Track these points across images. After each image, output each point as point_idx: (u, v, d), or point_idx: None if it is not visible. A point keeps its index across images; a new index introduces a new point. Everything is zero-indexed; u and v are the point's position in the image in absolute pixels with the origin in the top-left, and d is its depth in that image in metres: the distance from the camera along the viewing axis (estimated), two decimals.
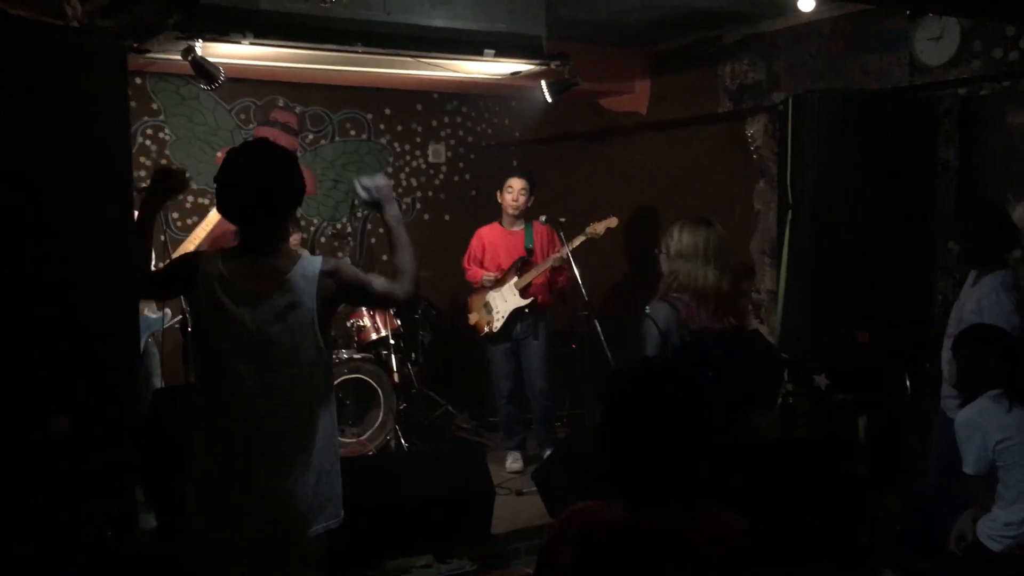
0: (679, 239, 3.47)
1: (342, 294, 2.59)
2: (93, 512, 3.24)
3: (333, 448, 2.64)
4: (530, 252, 5.71)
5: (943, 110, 4.94)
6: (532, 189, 5.69)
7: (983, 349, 3.50)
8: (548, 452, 5.69)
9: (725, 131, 6.27)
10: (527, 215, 5.76)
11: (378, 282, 2.69)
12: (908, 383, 4.61)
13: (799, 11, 4.91)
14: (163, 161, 6.30)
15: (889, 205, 4.73)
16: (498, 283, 5.69)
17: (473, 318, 5.76)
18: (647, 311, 3.38)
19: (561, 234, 5.59)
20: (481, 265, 5.78)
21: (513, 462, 5.56)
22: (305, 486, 2.52)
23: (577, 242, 5.54)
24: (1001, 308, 3.77)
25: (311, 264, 2.54)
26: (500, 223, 5.82)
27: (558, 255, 5.53)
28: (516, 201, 5.66)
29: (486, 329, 5.69)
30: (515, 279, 5.68)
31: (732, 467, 3.00)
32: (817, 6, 4.78)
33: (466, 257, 5.85)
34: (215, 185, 2.58)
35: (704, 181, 6.40)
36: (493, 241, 5.79)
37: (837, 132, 4.68)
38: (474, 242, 5.85)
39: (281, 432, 2.49)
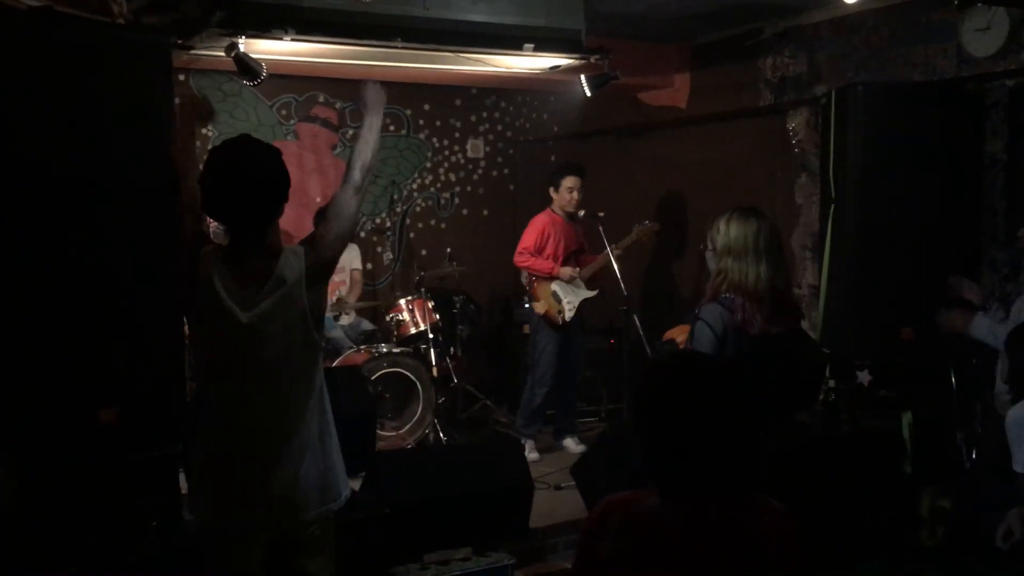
0: (726, 233, 3.13)
1: (320, 262, 2.58)
2: (139, 503, 3.28)
3: (329, 431, 2.66)
4: (583, 246, 5.91)
5: (991, 102, 4.85)
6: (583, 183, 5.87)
7: None
8: (568, 440, 5.79)
9: (766, 125, 6.21)
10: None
11: (330, 218, 2.68)
12: (954, 379, 4.53)
13: (842, 2, 4.85)
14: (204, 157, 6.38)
15: (934, 199, 4.65)
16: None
17: (542, 307, 5.79)
18: (698, 314, 3.08)
19: (601, 228, 5.67)
20: (541, 253, 5.80)
21: (530, 451, 5.60)
22: (305, 471, 2.56)
23: (626, 243, 5.77)
24: None
25: (295, 257, 2.55)
26: (554, 212, 5.88)
27: (618, 251, 5.70)
28: (576, 200, 5.81)
29: (558, 319, 5.73)
30: (579, 270, 5.75)
31: (777, 464, 2.98)
32: None
33: (529, 245, 5.84)
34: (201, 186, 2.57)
35: (745, 175, 6.35)
36: (556, 231, 5.85)
37: (881, 125, 4.61)
38: (537, 230, 5.85)
39: (279, 422, 2.54)
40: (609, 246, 5.68)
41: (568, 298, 5.77)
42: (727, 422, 1.77)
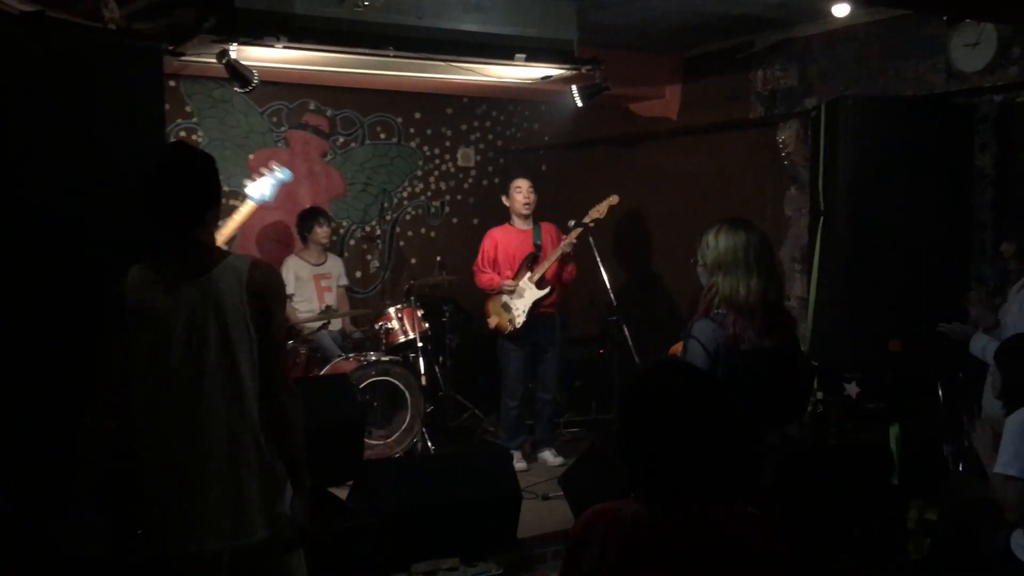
0: (715, 247, 3.04)
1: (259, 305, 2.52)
2: (128, 510, 3.26)
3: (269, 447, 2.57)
4: (538, 248, 5.82)
5: (979, 117, 4.89)
6: (535, 187, 5.84)
7: None
8: (545, 452, 5.81)
9: (756, 137, 6.24)
10: (535, 215, 5.87)
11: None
12: (941, 392, 4.55)
13: (833, 16, 4.88)
14: None
15: (923, 212, 4.68)
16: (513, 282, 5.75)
17: (493, 321, 5.78)
18: (690, 331, 3.00)
19: (591, 239, 5.66)
20: (494, 265, 5.80)
21: (518, 461, 5.58)
22: (251, 489, 2.49)
23: (581, 227, 5.66)
24: None
25: (239, 263, 2.53)
26: (510, 223, 5.87)
27: (568, 241, 5.68)
28: (527, 199, 5.78)
29: (509, 328, 5.71)
30: (528, 274, 5.75)
31: (765, 474, 2.98)
32: (852, 11, 4.74)
33: (479, 260, 5.86)
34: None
35: (735, 187, 6.37)
36: (506, 241, 5.85)
37: (870, 138, 4.64)
38: (486, 244, 5.88)
39: (219, 437, 2.47)
40: (561, 239, 5.73)
41: (517, 304, 5.72)
42: (709, 430, 1.79)
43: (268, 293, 2.53)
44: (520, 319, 5.70)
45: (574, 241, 5.69)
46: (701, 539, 1.77)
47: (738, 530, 1.80)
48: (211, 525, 2.46)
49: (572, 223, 5.74)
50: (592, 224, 5.69)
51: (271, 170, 5.04)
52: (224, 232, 5.00)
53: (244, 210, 5.02)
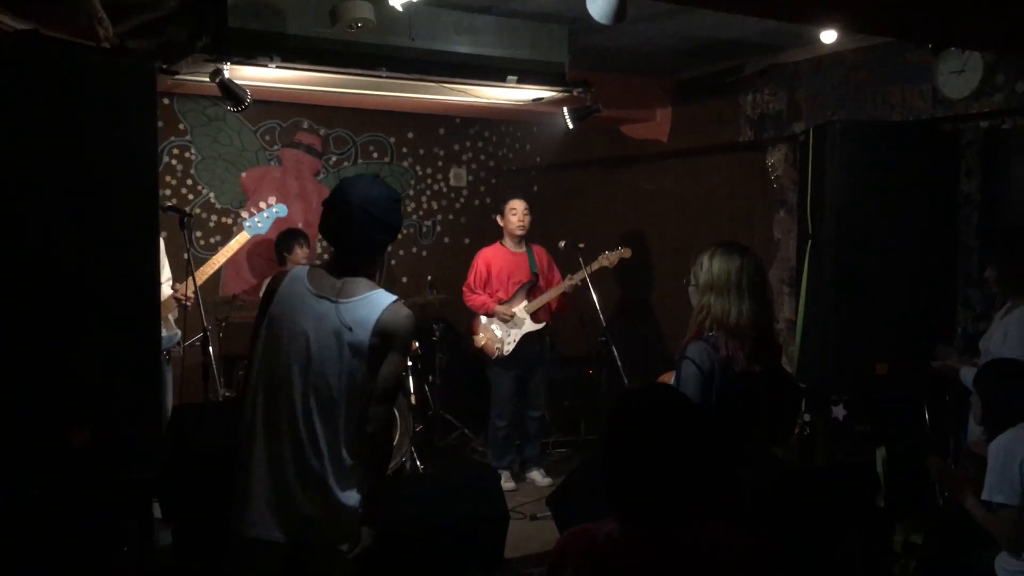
0: (709, 268, 3.05)
1: (379, 344, 2.64)
2: (110, 527, 3.25)
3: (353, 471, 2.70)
4: (536, 276, 5.83)
5: (965, 143, 4.94)
6: (530, 209, 5.85)
7: (1007, 383, 3.46)
8: (534, 472, 5.79)
9: (746, 160, 6.29)
10: (527, 237, 5.89)
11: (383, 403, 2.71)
12: (927, 415, 4.57)
13: (821, 42, 4.93)
14: (188, 181, 6.38)
15: (909, 237, 4.72)
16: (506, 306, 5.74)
17: (480, 341, 5.78)
18: (684, 353, 3.00)
19: (581, 259, 5.68)
20: (486, 286, 5.80)
21: (506, 481, 5.57)
22: (346, 499, 2.63)
23: (589, 271, 5.65)
24: None
25: (380, 299, 2.67)
26: (502, 244, 5.87)
27: (572, 282, 5.64)
28: (522, 222, 5.79)
29: (497, 353, 5.71)
30: (524, 303, 5.74)
31: (752, 496, 2.99)
32: (839, 38, 4.80)
33: (471, 280, 5.86)
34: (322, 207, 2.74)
35: (724, 209, 6.41)
36: (500, 262, 5.84)
37: (858, 163, 4.69)
38: (479, 264, 5.87)
39: (324, 440, 2.60)
40: (565, 277, 5.76)
41: (508, 333, 5.73)
42: (688, 454, 1.81)
43: (394, 336, 2.65)
44: (509, 348, 5.70)
45: (577, 284, 5.68)
46: (676, 559, 1.79)
47: (714, 550, 1.81)
48: (286, 521, 2.58)
49: (577, 276, 5.67)
50: (596, 269, 5.69)
51: (269, 206, 5.28)
52: (216, 261, 5.08)
53: (239, 240, 5.14)
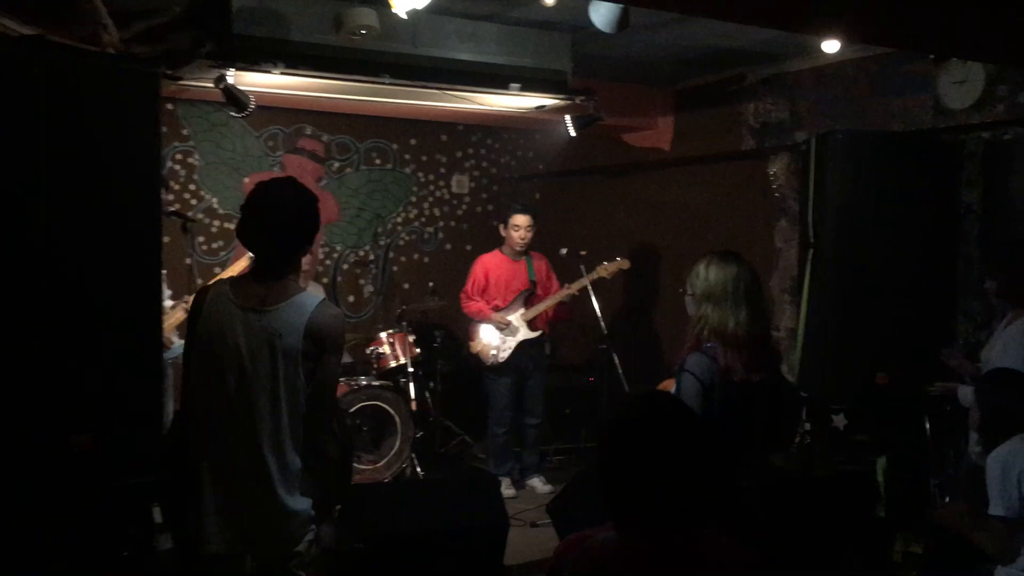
0: (706, 277, 3.06)
1: (313, 347, 2.63)
2: (111, 532, 3.25)
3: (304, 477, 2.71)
4: (534, 284, 5.83)
5: (966, 153, 4.95)
6: (535, 223, 5.80)
7: (1007, 393, 3.47)
8: (534, 479, 5.80)
9: (747, 169, 6.30)
10: (528, 245, 5.88)
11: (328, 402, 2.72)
12: (928, 425, 4.57)
13: (823, 52, 4.95)
14: (191, 186, 6.40)
15: (911, 247, 4.72)
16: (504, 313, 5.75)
17: (476, 347, 5.79)
18: (683, 365, 2.99)
19: (582, 267, 5.70)
20: (484, 293, 5.81)
21: (506, 488, 5.57)
22: (296, 504, 2.63)
23: (586, 281, 5.66)
24: None
25: (307, 302, 2.65)
26: (501, 252, 5.88)
27: (569, 291, 5.65)
28: (524, 238, 5.77)
29: (491, 359, 5.72)
30: (521, 311, 5.75)
31: (751, 506, 2.99)
32: (841, 48, 4.81)
33: (468, 287, 5.87)
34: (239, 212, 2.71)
35: (726, 218, 6.42)
36: (498, 270, 5.85)
37: (859, 172, 4.69)
38: (477, 270, 5.88)
39: (268, 449, 2.60)
40: (562, 285, 5.77)
41: (504, 340, 5.74)
42: (686, 462, 1.82)
43: (326, 338, 2.64)
44: (505, 355, 5.71)
45: (575, 293, 5.70)
46: (671, 566, 1.79)
47: (709, 558, 1.81)
48: (240, 533, 2.59)
49: (574, 285, 5.68)
50: (594, 279, 5.69)
51: None
52: (234, 270, 5.08)
53: (248, 257, 5.12)
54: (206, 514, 2.59)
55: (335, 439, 2.72)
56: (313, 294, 2.73)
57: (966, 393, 4.02)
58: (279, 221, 2.63)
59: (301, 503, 2.64)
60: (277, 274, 2.66)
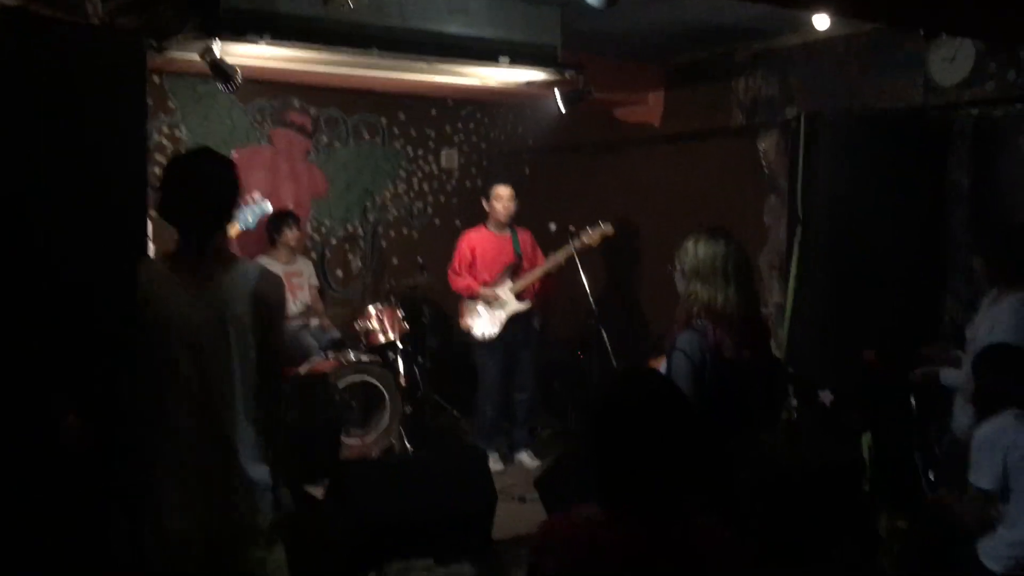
0: (695, 254, 3.05)
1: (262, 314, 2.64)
2: (103, 527, 3.24)
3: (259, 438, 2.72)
4: (519, 258, 5.85)
5: (956, 131, 4.94)
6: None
7: (1005, 369, 3.50)
8: (522, 454, 5.85)
9: (737, 145, 6.29)
10: (514, 220, 5.90)
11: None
12: (914, 402, 4.60)
13: (814, 28, 4.93)
14: None
15: (899, 224, 4.73)
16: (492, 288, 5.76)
17: (467, 322, 5.80)
18: (674, 344, 2.98)
19: (571, 239, 5.71)
20: (471, 268, 5.82)
21: (494, 463, 5.60)
22: (255, 473, 2.64)
23: (571, 250, 5.68)
24: (1019, 327, 3.74)
25: (249, 270, 2.66)
26: (486, 227, 5.88)
27: (556, 260, 5.67)
28: (507, 209, 5.81)
29: (482, 335, 5.73)
30: (509, 284, 5.77)
31: (737, 483, 3.00)
32: (832, 24, 4.79)
33: (455, 263, 5.88)
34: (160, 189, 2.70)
35: (715, 194, 6.41)
36: (484, 245, 5.87)
37: (848, 150, 4.69)
38: (463, 246, 5.89)
39: (227, 423, 2.60)
40: (547, 256, 5.80)
41: (494, 315, 5.75)
42: (674, 442, 1.81)
43: (273, 304, 2.66)
44: (496, 330, 5.73)
45: (561, 263, 5.71)
46: (658, 548, 1.79)
47: (696, 540, 1.82)
48: (206, 507, 2.59)
49: (560, 253, 5.71)
50: (579, 248, 5.70)
51: (255, 201, 5.20)
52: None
53: (232, 234, 5.10)
54: (164, 488, 2.58)
55: (285, 402, 2.75)
56: (250, 260, 2.75)
57: (948, 375, 4.06)
58: (207, 194, 2.62)
59: (260, 471, 2.65)
60: (210, 246, 2.65)
